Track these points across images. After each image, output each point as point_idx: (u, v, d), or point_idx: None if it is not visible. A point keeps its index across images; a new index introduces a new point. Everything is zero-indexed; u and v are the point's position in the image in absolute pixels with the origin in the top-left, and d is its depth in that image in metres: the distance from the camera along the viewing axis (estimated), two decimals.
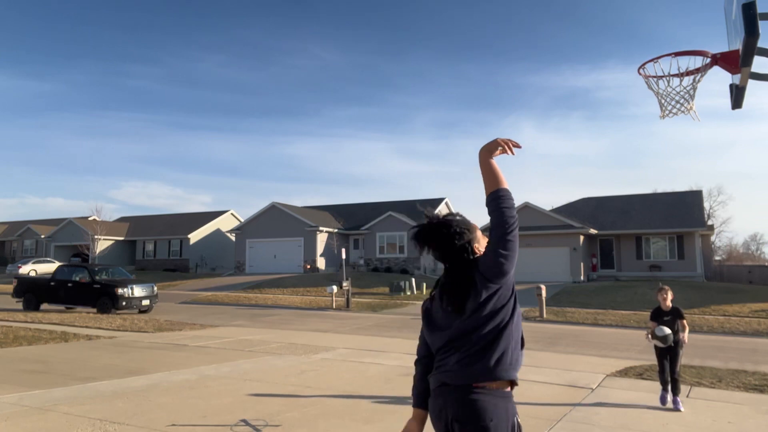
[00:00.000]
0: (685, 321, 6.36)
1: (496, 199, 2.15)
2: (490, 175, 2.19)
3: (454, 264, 2.23)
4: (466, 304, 2.13)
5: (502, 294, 2.16)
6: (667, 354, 6.36)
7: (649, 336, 6.33)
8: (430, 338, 2.28)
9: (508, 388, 2.14)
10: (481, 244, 2.26)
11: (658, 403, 6.47)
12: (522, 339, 2.24)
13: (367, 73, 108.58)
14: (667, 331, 6.18)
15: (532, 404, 6.38)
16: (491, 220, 2.15)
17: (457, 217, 2.28)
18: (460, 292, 2.15)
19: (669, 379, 6.35)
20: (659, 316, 6.43)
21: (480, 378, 2.08)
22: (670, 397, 6.37)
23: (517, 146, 2.26)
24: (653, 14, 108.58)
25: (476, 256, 2.21)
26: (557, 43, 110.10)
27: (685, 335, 6.34)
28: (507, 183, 2.18)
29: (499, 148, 2.23)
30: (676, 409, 6.26)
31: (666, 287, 6.50)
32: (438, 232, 2.22)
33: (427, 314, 2.32)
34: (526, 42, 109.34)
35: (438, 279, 2.32)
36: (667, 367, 6.35)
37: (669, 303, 6.41)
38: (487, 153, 2.22)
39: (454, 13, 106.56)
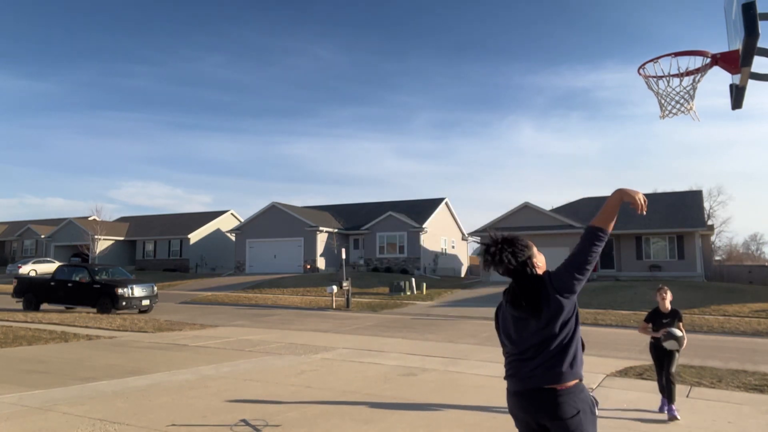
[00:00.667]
0: (682, 324, 6.08)
1: (595, 234, 2.48)
2: (607, 214, 2.53)
3: (518, 277, 2.52)
4: (542, 310, 2.43)
5: (569, 306, 2.46)
6: (664, 358, 6.11)
7: (662, 337, 5.97)
8: (506, 343, 2.61)
9: (578, 381, 2.47)
10: (538, 259, 2.59)
11: (658, 403, 6.43)
12: (582, 342, 2.58)
13: (367, 73, 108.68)
14: (679, 333, 5.90)
15: None
16: (579, 244, 2.49)
17: (519, 242, 2.58)
18: (535, 299, 2.44)
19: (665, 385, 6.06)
20: (657, 317, 6.16)
21: (562, 380, 2.41)
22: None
23: (642, 211, 2.57)
24: (653, 14, 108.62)
25: (535, 269, 2.54)
26: (556, 43, 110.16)
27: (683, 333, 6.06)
28: (611, 229, 2.52)
29: (633, 199, 2.52)
30: (672, 418, 5.85)
31: (665, 287, 6.26)
32: (503, 251, 2.52)
33: (501, 323, 2.65)
34: (525, 42, 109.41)
35: (506, 289, 2.60)
36: (664, 369, 6.08)
37: (668, 304, 6.17)
38: (620, 196, 2.55)
39: (454, 14, 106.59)
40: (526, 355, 2.49)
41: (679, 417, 5.88)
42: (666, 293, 6.19)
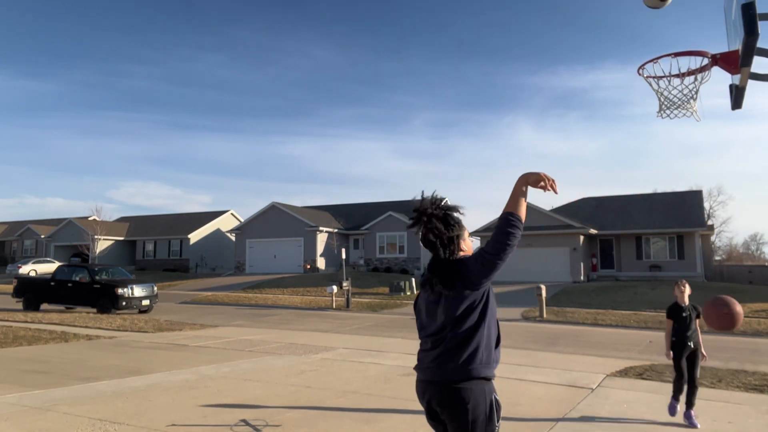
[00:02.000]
0: (699, 322, 5.91)
1: (506, 220, 2.30)
2: (514, 198, 2.35)
3: (439, 252, 2.40)
4: (455, 282, 2.30)
5: (472, 299, 2.32)
6: (686, 357, 5.87)
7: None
8: (419, 330, 2.51)
9: (477, 379, 2.30)
10: (466, 243, 2.46)
11: (658, 404, 6.43)
12: (498, 337, 2.41)
13: (365, 73, 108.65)
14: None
15: (532, 404, 6.39)
16: (494, 234, 2.31)
17: (455, 213, 2.44)
18: (447, 277, 2.32)
19: (685, 387, 5.85)
20: (677, 312, 5.92)
21: (452, 376, 2.28)
22: (680, 407, 5.85)
23: (552, 190, 2.40)
24: (651, 15, 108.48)
25: (459, 252, 2.41)
26: (554, 43, 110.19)
27: (699, 340, 5.93)
28: (524, 215, 2.34)
29: (541, 183, 2.37)
30: (691, 425, 5.66)
31: (684, 280, 6.12)
32: (434, 218, 2.40)
33: (417, 310, 2.54)
34: (523, 42, 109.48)
35: (424, 271, 2.50)
36: (686, 373, 5.84)
37: (687, 298, 5.99)
38: (525, 180, 2.37)
39: (452, 14, 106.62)
40: (426, 345, 2.42)
41: (698, 426, 5.64)
42: (684, 286, 6.02)
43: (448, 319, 2.31)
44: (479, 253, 2.31)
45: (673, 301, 6.06)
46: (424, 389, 2.40)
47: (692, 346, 5.88)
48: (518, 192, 2.35)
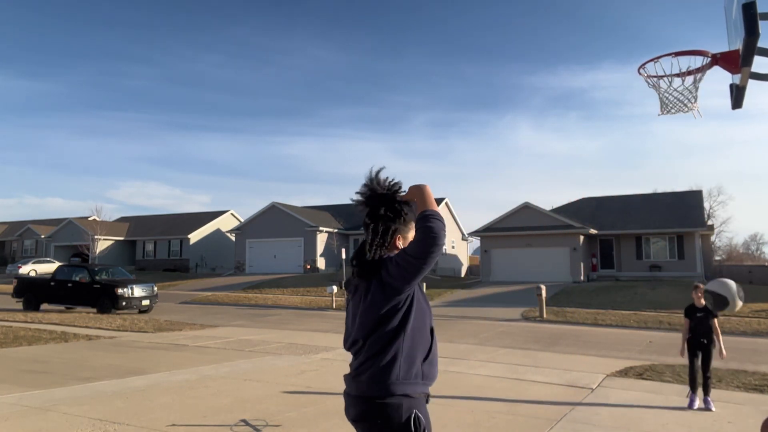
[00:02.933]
0: (716, 320, 6.41)
1: (426, 217, 2.05)
2: (422, 200, 2.13)
3: (368, 239, 2.21)
4: (372, 273, 2.10)
5: (398, 299, 2.08)
6: (700, 352, 6.38)
7: (700, 295, 6.39)
8: (344, 337, 2.28)
9: (392, 396, 2.04)
10: (405, 242, 2.22)
11: (658, 404, 6.45)
12: (430, 351, 2.16)
13: (364, 73, 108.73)
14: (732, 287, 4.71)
15: (532, 404, 6.37)
16: (416, 235, 2.07)
17: (405, 206, 2.23)
18: (368, 265, 2.13)
19: (700, 380, 6.37)
20: (693, 312, 6.53)
21: (366, 391, 2.06)
22: (698, 400, 6.38)
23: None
24: (650, 14, 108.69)
25: (393, 250, 2.19)
26: (553, 43, 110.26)
27: (719, 339, 6.34)
28: (437, 209, 2.11)
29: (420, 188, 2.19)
30: (707, 408, 6.29)
31: (700, 285, 6.54)
32: (381, 201, 2.19)
33: (347, 312, 2.30)
34: (521, 42, 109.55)
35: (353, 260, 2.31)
36: (699, 366, 6.36)
37: (703, 301, 6.45)
38: (417, 188, 2.17)
39: (450, 14, 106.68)
40: (351, 350, 2.19)
41: (714, 409, 6.29)
42: (701, 292, 6.48)
43: (367, 322, 2.08)
44: (400, 254, 2.07)
45: (690, 303, 6.63)
46: (346, 402, 2.20)
47: (705, 342, 6.39)
48: (421, 194, 2.14)
